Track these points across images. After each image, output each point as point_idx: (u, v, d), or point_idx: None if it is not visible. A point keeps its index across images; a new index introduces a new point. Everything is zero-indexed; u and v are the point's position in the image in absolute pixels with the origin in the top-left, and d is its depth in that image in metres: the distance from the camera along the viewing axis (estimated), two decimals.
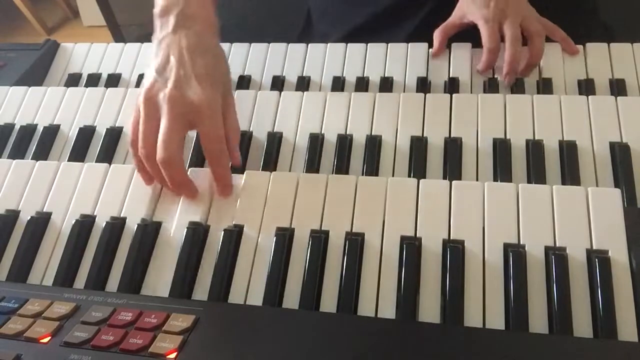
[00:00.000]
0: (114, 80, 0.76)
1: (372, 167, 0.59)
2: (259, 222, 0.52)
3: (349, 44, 0.74)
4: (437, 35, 0.73)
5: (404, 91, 0.69)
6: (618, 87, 0.66)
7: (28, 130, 0.68)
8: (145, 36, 0.71)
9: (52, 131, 0.68)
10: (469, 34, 0.72)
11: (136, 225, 0.53)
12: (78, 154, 0.65)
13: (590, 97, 0.60)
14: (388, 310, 0.47)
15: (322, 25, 0.92)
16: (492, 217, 0.49)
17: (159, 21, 0.60)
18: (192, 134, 0.64)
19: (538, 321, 0.45)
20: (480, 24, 0.70)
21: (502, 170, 0.57)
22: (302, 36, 0.95)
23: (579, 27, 0.77)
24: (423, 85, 0.69)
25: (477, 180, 0.57)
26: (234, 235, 0.51)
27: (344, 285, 0.48)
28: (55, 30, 2.55)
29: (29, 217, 0.55)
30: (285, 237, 0.50)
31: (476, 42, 0.71)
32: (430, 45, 0.72)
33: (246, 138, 0.63)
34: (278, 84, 0.72)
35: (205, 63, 0.56)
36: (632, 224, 0.47)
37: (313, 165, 0.60)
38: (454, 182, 0.51)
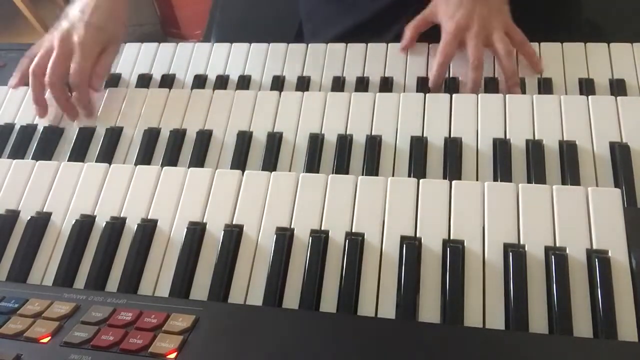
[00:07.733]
0: (114, 80, 0.76)
1: (372, 167, 0.59)
2: (259, 222, 0.52)
3: (349, 44, 0.74)
4: (408, 30, 0.72)
5: (404, 91, 0.69)
6: (618, 87, 0.65)
7: (28, 130, 0.68)
8: (145, 36, 0.72)
9: (52, 131, 0.68)
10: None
11: (136, 225, 0.53)
12: (78, 154, 0.65)
13: (590, 97, 0.60)
14: (388, 310, 0.47)
15: (308, 30, 0.93)
16: (492, 217, 0.49)
17: None
18: (190, 136, 0.64)
19: (538, 321, 0.45)
20: (443, 34, 0.69)
21: (502, 170, 0.57)
22: (296, 40, 0.95)
23: (561, 23, 0.77)
24: (423, 85, 0.69)
25: (477, 180, 0.57)
26: (234, 235, 0.51)
27: (344, 285, 0.48)
28: None
29: (29, 217, 0.55)
30: (285, 237, 0.50)
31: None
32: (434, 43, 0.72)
33: (246, 138, 0.63)
34: (278, 84, 0.72)
35: (100, 17, 0.69)
36: (632, 224, 0.47)
37: (313, 165, 0.60)
38: (454, 182, 0.51)
